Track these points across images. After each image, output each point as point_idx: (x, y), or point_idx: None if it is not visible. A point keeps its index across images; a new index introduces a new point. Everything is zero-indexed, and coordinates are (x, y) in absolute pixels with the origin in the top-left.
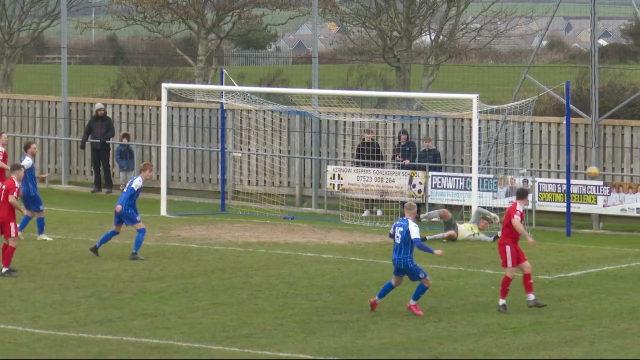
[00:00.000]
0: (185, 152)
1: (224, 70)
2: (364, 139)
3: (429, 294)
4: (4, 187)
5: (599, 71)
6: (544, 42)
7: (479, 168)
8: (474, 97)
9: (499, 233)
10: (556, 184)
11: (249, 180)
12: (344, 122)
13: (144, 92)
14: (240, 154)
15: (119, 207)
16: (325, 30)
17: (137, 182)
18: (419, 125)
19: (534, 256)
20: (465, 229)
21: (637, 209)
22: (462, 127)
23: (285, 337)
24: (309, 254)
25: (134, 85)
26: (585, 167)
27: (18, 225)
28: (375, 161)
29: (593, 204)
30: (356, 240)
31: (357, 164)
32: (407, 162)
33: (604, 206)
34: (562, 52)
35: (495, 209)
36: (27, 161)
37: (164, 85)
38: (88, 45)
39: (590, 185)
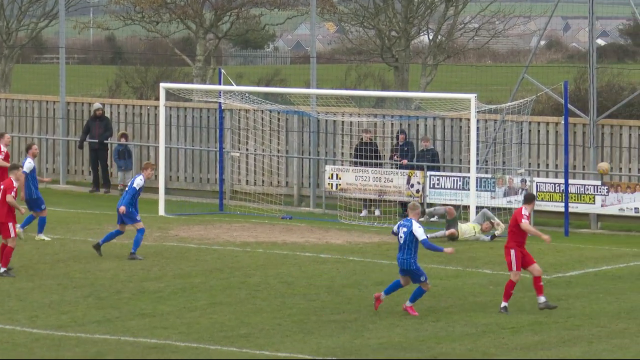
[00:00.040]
0: (184, 152)
1: (222, 70)
2: (362, 139)
3: (427, 293)
4: (2, 187)
5: (597, 71)
6: (542, 42)
7: (477, 168)
8: (472, 97)
9: (496, 232)
10: (554, 183)
11: (247, 180)
12: (342, 122)
13: (142, 92)
14: (238, 154)
15: (122, 209)
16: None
17: (138, 181)
18: (417, 125)
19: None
20: (467, 228)
21: (635, 208)
22: (460, 127)
23: (284, 336)
24: (307, 253)
25: (132, 85)
26: (584, 167)
27: (21, 223)
28: (374, 161)
29: (591, 203)
30: (354, 240)
31: (355, 163)
32: (405, 161)
33: (602, 206)
34: (560, 52)
35: (493, 209)
36: (28, 164)
37: (162, 85)
38: (86, 45)
39: (589, 185)
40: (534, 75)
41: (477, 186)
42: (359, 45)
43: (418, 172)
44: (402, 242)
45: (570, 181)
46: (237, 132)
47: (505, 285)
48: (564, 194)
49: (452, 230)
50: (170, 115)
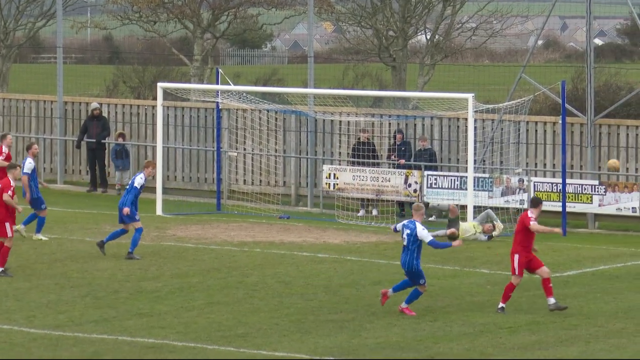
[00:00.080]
0: (181, 152)
1: (220, 70)
2: (359, 139)
3: (425, 293)
4: None
5: (594, 71)
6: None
7: (474, 167)
8: (469, 96)
9: (494, 233)
10: (552, 183)
11: (244, 180)
12: (340, 121)
13: (140, 92)
14: (235, 154)
15: (126, 210)
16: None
17: (139, 180)
18: (415, 125)
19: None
20: (468, 227)
21: (632, 208)
22: (458, 126)
23: (281, 336)
24: (305, 253)
25: (130, 84)
26: (581, 167)
27: (22, 221)
28: (371, 160)
29: (588, 203)
30: (352, 240)
31: (353, 163)
32: (402, 161)
33: (599, 205)
34: (557, 52)
35: (496, 210)
36: (29, 164)
37: (159, 84)
38: (84, 45)
39: (586, 185)
40: (531, 74)
41: (474, 186)
42: (357, 45)
43: (415, 172)
44: (405, 243)
45: (568, 181)
46: (234, 132)
47: (505, 287)
48: (561, 194)
49: (453, 229)
50: (168, 114)
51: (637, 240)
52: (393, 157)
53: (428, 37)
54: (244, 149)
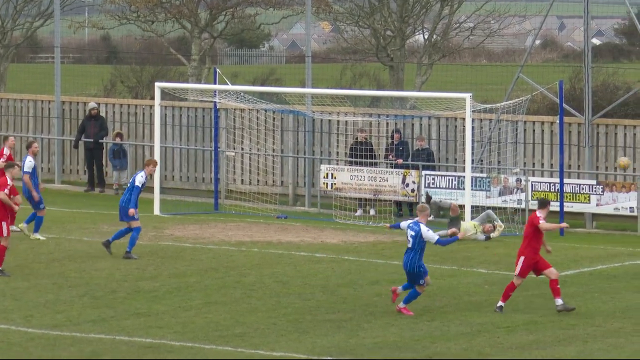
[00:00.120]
0: (179, 152)
1: (218, 70)
2: (357, 138)
3: (422, 293)
4: None
5: (592, 70)
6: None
7: (472, 167)
8: (467, 96)
9: (494, 234)
10: (549, 183)
11: (242, 180)
12: (337, 121)
13: (138, 92)
14: (233, 153)
15: (132, 211)
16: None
17: (139, 179)
18: (412, 125)
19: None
20: (469, 227)
21: (630, 208)
22: (456, 126)
23: (279, 336)
24: (302, 253)
25: (128, 84)
26: (579, 167)
27: (27, 219)
28: (369, 160)
29: (586, 203)
30: (349, 240)
31: (351, 163)
32: (400, 161)
33: (597, 205)
34: (555, 51)
35: (493, 210)
36: (29, 162)
37: (157, 84)
38: (81, 45)
39: (584, 185)
40: (529, 74)
41: (472, 186)
42: (354, 45)
43: (413, 172)
44: (409, 245)
45: (566, 180)
46: (232, 132)
47: (507, 286)
48: (559, 194)
49: (454, 229)
50: (166, 114)
51: (634, 239)
52: (391, 156)
53: (426, 36)
54: (242, 149)
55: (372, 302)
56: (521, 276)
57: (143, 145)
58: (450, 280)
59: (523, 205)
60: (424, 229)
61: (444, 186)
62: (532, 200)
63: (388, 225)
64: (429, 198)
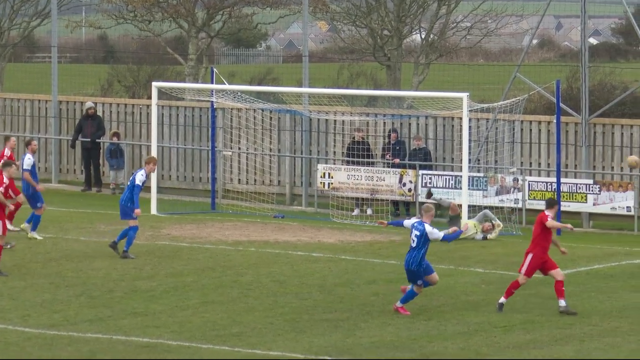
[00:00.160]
0: (176, 151)
1: (215, 69)
2: (354, 138)
3: (420, 293)
4: None
5: (589, 70)
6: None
7: (469, 167)
8: (464, 95)
9: (489, 236)
10: (546, 182)
11: (239, 179)
12: (334, 120)
13: (135, 91)
14: (230, 153)
15: (138, 211)
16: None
17: (140, 177)
18: (409, 124)
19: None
20: (471, 226)
21: (627, 207)
22: (453, 125)
23: (276, 335)
24: (299, 252)
25: (125, 84)
26: (576, 166)
27: (27, 219)
28: (366, 160)
29: (583, 202)
30: (346, 239)
31: (348, 162)
32: (397, 160)
33: (594, 205)
34: (552, 51)
35: (490, 209)
36: (28, 160)
37: (154, 84)
38: (78, 44)
39: (581, 184)
40: (526, 74)
41: (469, 185)
42: (351, 44)
43: (410, 171)
44: (413, 244)
45: (563, 180)
46: (229, 131)
47: (511, 283)
48: (556, 193)
49: (455, 228)
50: (163, 114)
51: (631, 239)
52: (388, 156)
53: (423, 36)
54: (239, 148)
55: (369, 301)
56: (527, 275)
57: (140, 144)
58: (447, 280)
59: (520, 205)
60: (428, 228)
61: (441, 186)
62: (529, 199)
63: (386, 222)
64: (429, 194)
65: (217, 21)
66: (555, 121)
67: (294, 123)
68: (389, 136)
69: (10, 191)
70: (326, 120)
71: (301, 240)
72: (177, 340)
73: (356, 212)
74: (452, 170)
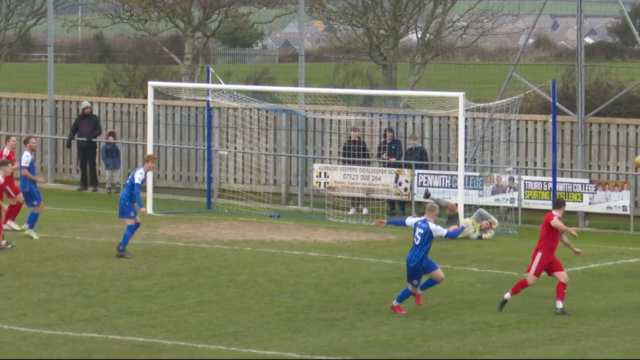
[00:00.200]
0: (172, 150)
1: (211, 69)
2: (350, 137)
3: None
4: None
5: (585, 69)
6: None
7: (465, 166)
8: (460, 95)
9: (484, 235)
10: (542, 181)
11: (235, 179)
12: (330, 120)
13: (131, 91)
14: (226, 152)
15: (143, 210)
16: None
17: (139, 176)
18: (405, 124)
19: (520, 254)
20: (470, 224)
21: (622, 206)
22: (449, 125)
23: (271, 335)
24: (295, 252)
25: (121, 83)
26: (572, 165)
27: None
28: (362, 159)
29: (579, 201)
30: (342, 239)
31: (344, 162)
32: (393, 160)
33: (589, 204)
34: (548, 50)
35: (486, 209)
36: (26, 157)
37: (150, 83)
38: (74, 44)
39: (576, 183)
40: (522, 73)
41: (465, 184)
42: (348, 44)
43: (406, 170)
44: (417, 242)
45: (558, 179)
46: (225, 131)
47: (519, 282)
48: (551, 192)
49: (455, 226)
50: (159, 113)
51: (627, 238)
52: (384, 155)
53: (419, 35)
54: (235, 148)
55: (365, 300)
56: (536, 275)
57: (136, 144)
58: None
59: (516, 204)
60: (432, 225)
61: (437, 185)
62: (525, 199)
63: (385, 221)
64: (427, 195)
65: (213, 20)
66: (551, 120)
67: (290, 122)
68: (385, 135)
69: (10, 190)
70: (322, 119)
71: (297, 240)
72: (172, 340)
73: (352, 211)
74: (448, 170)
